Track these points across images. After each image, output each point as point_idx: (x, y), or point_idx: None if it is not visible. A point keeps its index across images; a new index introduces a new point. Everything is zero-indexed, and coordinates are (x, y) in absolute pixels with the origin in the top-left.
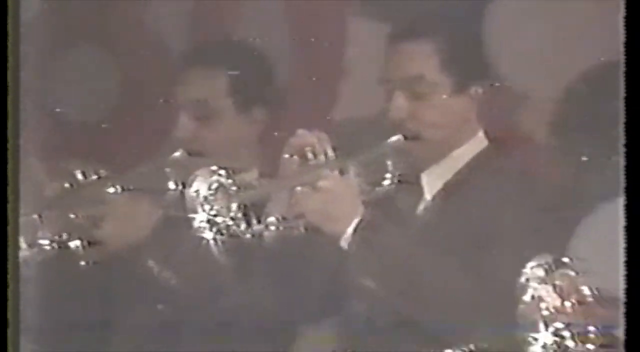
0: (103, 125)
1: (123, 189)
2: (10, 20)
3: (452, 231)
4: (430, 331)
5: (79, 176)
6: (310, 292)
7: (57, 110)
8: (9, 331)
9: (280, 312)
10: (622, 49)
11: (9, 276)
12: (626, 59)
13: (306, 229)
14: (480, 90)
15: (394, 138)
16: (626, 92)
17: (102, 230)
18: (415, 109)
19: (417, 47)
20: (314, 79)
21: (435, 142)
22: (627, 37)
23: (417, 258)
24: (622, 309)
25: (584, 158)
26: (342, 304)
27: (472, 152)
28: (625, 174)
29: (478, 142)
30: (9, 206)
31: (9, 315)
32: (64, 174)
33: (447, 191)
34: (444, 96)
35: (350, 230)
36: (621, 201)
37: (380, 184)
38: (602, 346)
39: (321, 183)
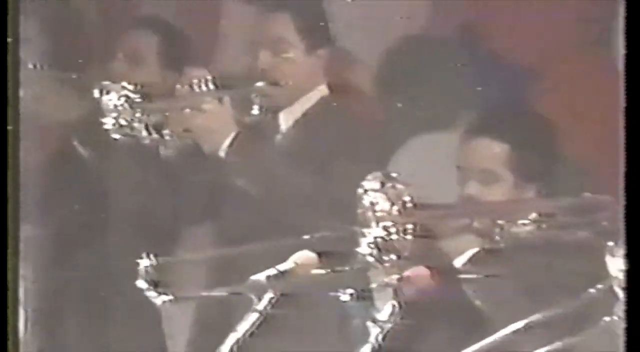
0: None
1: None
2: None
3: (303, 153)
4: (288, 225)
5: None
6: (193, 197)
7: None
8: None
9: (166, 215)
10: (622, 48)
11: None
12: (626, 58)
13: (193, 141)
14: (324, 52)
15: (259, 83)
16: (626, 93)
17: None
18: (276, 64)
19: (279, 16)
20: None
21: (290, 88)
22: (627, 37)
23: (279, 168)
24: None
25: (399, 104)
26: (221, 205)
27: (316, 97)
28: (626, 175)
29: (321, 91)
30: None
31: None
32: None
33: (297, 125)
34: (298, 55)
35: (227, 142)
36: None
37: (249, 114)
38: (416, 236)
39: (205, 106)
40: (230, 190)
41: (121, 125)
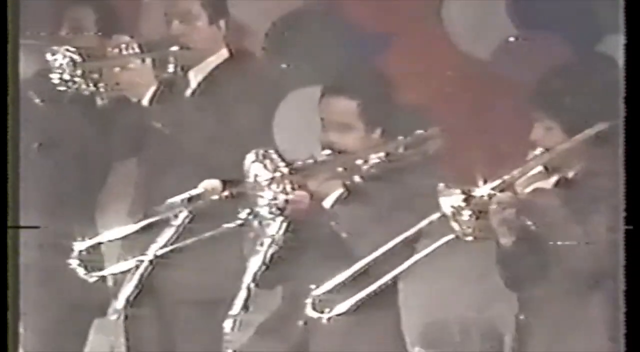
0: None
1: None
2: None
3: (208, 102)
4: (197, 158)
5: None
6: (123, 137)
7: None
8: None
9: (100, 151)
10: (622, 48)
11: None
12: (626, 58)
13: (121, 92)
14: (224, 22)
15: (173, 48)
16: (627, 91)
17: None
18: (186, 31)
19: None
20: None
21: (197, 51)
22: (627, 38)
23: (189, 114)
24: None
25: (283, 65)
26: (143, 143)
27: (218, 60)
28: (626, 176)
29: (222, 54)
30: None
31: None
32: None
33: (205, 82)
34: (203, 24)
35: (149, 94)
36: None
37: (166, 72)
38: (294, 190)
39: (130, 65)
40: (150, 131)
41: (65, 80)
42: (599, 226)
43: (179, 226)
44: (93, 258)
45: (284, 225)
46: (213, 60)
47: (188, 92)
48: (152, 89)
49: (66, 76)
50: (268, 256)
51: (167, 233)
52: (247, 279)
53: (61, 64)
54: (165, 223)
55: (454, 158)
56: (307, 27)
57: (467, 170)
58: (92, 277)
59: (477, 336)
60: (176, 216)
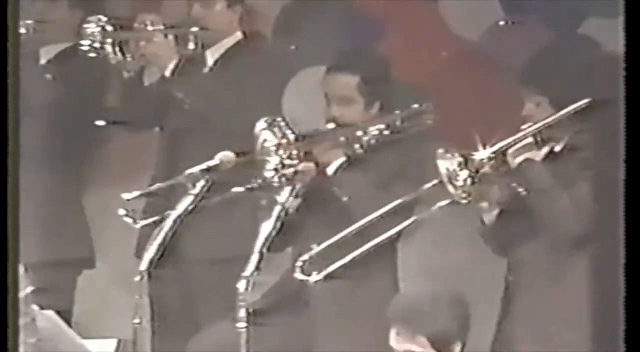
0: None
1: None
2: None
3: (224, 79)
4: (214, 128)
5: None
6: (144, 106)
7: None
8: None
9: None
10: (622, 48)
11: None
12: (626, 57)
13: (146, 63)
14: (239, 7)
15: (194, 28)
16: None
17: None
18: (205, 14)
19: None
20: None
21: (216, 32)
22: (627, 38)
23: (207, 86)
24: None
25: (292, 47)
26: (164, 114)
27: (234, 41)
28: (626, 176)
29: (237, 36)
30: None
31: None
32: None
33: (221, 60)
34: (221, 8)
35: (171, 66)
36: None
37: (187, 48)
38: (300, 158)
39: (155, 39)
40: (172, 101)
41: (95, 48)
42: (587, 194)
43: (197, 195)
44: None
45: (294, 193)
46: (228, 41)
47: (205, 69)
48: (174, 61)
49: (97, 44)
50: (279, 222)
51: (186, 201)
52: (259, 243)
53: (93, 32)
54: (184, 192)
55: (450, 129)
56: (314, 12)
57: (464, 138)
58: (138, 224)
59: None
60: (194, 185)
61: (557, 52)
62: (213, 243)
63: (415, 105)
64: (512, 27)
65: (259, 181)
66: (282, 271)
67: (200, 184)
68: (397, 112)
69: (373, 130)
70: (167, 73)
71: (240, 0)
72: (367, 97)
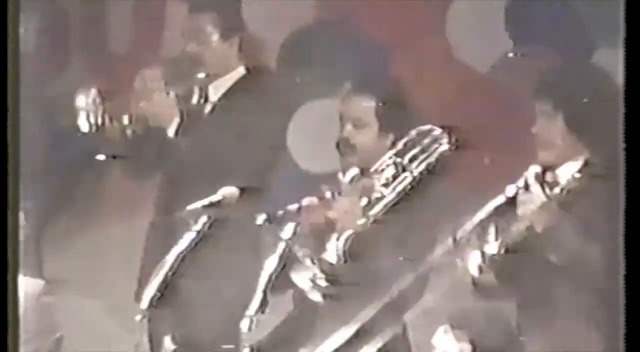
0: None
1: None
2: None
3: (228, 120)
4: (216, 169)
5: None
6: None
7: None
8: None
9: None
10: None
11: None
12: (626, 57)
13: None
14: (238, 39)
15: (199, 75)
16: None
17: None
18: (203, 52)
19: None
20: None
21: (217, 67)
22: (627, 37)
23: (211, 127)
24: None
25: (298, 79)
26: (168, 157)
27: (237, 76)
28: (626, 176)
29: (240, 71)
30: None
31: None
32: None
33: (226, 96)
34: (217, 42)
35: (174, 126)
36: None
37: (190, 102)
38: None
39: (155, 97)
40: (175, 149)
41: (91, 123)
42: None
43: (199, 231)
44: None
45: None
46: (231, 77)
47: (208, 107)
48: (176, 121)
49: (92, 118)
50: (283, 259)
51: (188, 237)
52: (262, 281)
53: (87, 103)
54: (186, 228)
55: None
56: (321, 40)
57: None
58: None
59: None
60: (196, 221)
61: (566, 84)
62: (216, 282)
63: (425, 127)
64: (521, 59)
65: (264, 219)
66: (286, 311)
67: (202, 220)
68: (407, 138)
69: (387, 161)
70: (171, 133)
71: (236, 31)
72: (380, 121)
